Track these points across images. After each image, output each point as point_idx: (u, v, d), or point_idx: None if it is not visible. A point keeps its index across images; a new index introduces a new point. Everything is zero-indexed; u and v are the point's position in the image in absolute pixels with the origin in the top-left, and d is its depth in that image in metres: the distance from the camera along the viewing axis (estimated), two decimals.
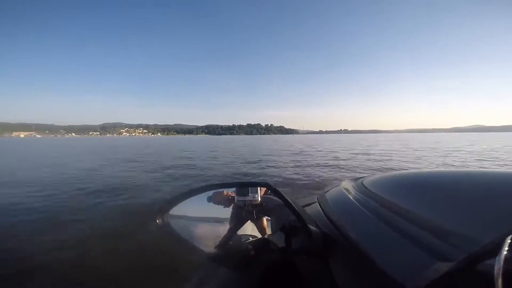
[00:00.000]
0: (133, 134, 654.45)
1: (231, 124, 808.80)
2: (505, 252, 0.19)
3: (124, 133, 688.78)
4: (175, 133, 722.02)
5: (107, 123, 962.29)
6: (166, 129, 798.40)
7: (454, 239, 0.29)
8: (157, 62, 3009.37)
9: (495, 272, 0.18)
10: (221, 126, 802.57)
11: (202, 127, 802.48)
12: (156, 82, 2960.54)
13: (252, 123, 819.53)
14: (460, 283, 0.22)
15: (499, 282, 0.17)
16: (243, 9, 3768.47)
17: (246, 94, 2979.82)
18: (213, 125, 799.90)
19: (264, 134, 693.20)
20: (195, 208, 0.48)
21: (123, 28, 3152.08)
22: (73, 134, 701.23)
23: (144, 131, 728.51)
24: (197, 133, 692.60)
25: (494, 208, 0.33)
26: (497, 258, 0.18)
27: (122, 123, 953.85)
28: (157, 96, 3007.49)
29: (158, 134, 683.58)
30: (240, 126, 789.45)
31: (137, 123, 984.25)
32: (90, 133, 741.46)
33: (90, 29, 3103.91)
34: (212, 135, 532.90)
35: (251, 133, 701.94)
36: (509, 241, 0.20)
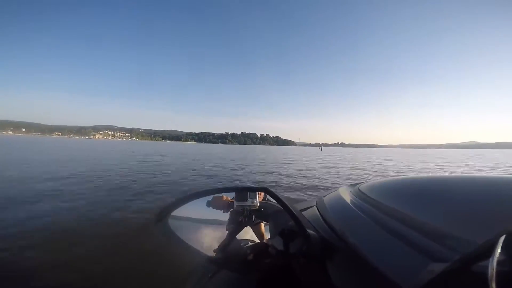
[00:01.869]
0: (106, 137, 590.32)
1: (224, 132, 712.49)
2: (498, 253, 0.19)
3: (97, 136, 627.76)
4: (160, 139, 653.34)
5: (99, 125, 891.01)
6: (153, 134, 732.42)
7: (449, 241, 0.30)
8: (159, 66, 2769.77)
9: (489, 272, 0.18)
10: (213, 134, 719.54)
11: (193, 134, 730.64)
12: (158, 87, 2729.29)
13: (247, 132, 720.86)
14: (456, 283, 0.22)
15: (493, 282, 0.18)
16: (244, 15, 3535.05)
17: (245, 104, 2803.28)
18: (205, 133, 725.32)
19: (259, 144, 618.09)
20: (194, 212, 0.49)
21: (125, 31, 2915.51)
22: (10, 132, 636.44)
23: (127, 135, 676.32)
24: (186, 140, 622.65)
25: (486, 210, 0.34)
26: (491, 259, 0.19)
27: (114, 126, 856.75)
28: (156, 101, 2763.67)
29: (134, 138, 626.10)
30: (233, 135, 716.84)
31: (131, 126, 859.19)
32: (55, 133, 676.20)
33: (86, 30, 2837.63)
34: (201, 143, 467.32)
35: (245, 143, 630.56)
36: (503, 242, 0.20)
